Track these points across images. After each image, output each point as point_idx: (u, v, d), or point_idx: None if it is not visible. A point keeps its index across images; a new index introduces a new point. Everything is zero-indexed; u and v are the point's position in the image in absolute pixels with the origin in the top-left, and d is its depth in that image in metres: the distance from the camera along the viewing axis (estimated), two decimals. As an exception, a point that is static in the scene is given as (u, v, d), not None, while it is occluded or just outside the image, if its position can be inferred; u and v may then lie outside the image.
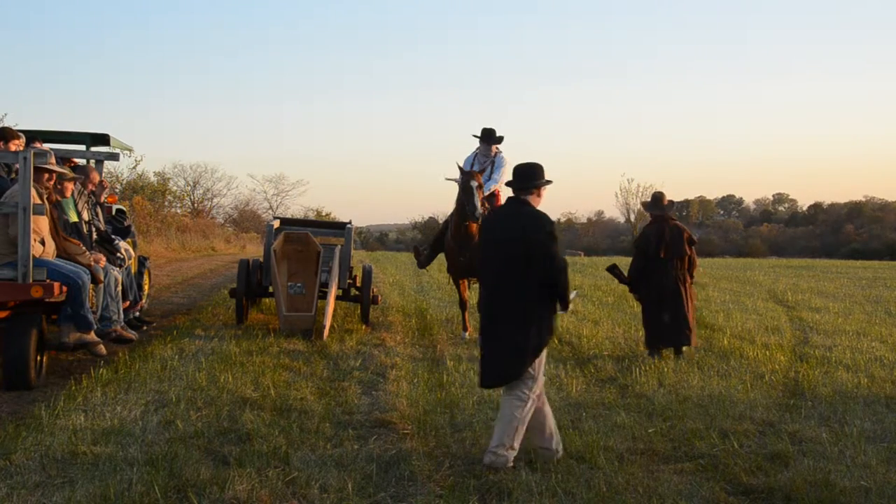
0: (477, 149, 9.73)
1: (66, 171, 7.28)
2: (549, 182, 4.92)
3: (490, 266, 4.84)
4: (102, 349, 6.89)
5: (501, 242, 4.76)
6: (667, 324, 8.20)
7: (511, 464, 4.61)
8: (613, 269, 8.78)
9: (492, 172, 9.63)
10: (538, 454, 4.79)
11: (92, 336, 6.74)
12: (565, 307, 4.86)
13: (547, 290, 4.70)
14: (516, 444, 4.63)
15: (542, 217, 4.75)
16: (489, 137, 9.61)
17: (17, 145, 6.92)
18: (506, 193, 9.65)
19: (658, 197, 8.68)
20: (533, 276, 4.64)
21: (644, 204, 9.26)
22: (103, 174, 9.25)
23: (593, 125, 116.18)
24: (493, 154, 9.66)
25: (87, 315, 6.65)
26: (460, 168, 9.05)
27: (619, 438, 5.26)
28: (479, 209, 8.81)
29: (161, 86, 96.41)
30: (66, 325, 6.62)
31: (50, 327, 6.83)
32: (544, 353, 4.80)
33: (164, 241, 26.64)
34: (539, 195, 4.85)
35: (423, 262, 10.11)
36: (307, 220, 15.71)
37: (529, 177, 4.84)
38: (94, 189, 8.46)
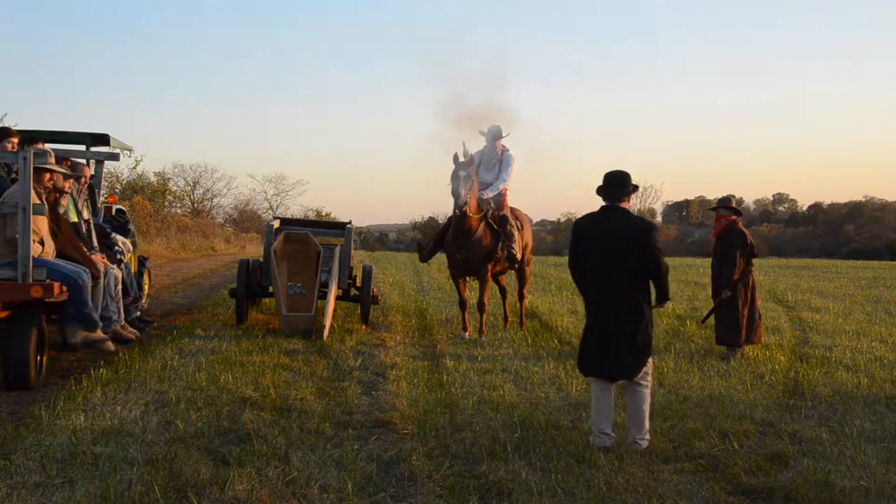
0: (484, 147, 9.69)
1: (65, 171, 7.28)
2: (636, 188, 5.31)
3: (596, 269, 5.19)
4: (111, 345, 6.91)
5: (607, 248, 5.12)
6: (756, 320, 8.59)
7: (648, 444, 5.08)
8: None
9: (500, 172, 9.59)
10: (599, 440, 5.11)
11: (98, 333, 6.75)
12: (664, 302, 5.31)
13: (648, 289, 5.15)
14: (647, 424, 5.15)
15: (648, 223, 5.15)
16: (495, 134, 9.58)
17: (12, 144, 6.91)
18: (512, 192, 9.70)
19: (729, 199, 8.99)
20: (639, 278, 5.10)
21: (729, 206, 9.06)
22: (103, 174, 9.25)
23: (593, 125, 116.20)
24: (499, 152, 9.63)
25: (90, 313, 6.65)
26: (455, 159, 8.97)
27: (619, 438, 5.26)
28: (464, 196, 8.72)
29: (161, 86, 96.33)
30: (72, 325, 6.62)
31: (50, 327, 6.83)
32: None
33: (164, 241, 26.64)
34: (629, 200, 5.24)
35: (426, 255, 10.05)
36: (307, 220, 15.70)
37: (622, 185, 5.19)
38: (89, 184, 8.46)
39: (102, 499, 3.97)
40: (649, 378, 5.27)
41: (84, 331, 6.64)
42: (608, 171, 5.30)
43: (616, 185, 5.20)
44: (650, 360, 5.25)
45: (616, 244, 5.10)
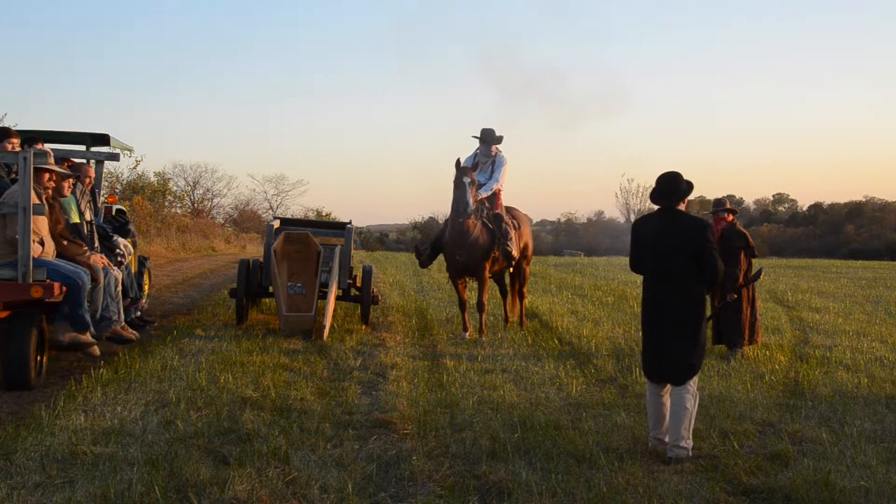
0: (477, 149, 9.74)
1: (65, 171, 7.28)
2: (691, 187, 5.20)
3: (654, 270, 5.18)
4: (97, 350, 6.86)
5: (665, 250, 5.10)
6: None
7: (690, 453, 4.90)
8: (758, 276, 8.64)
9: (493, 172, 9.64)
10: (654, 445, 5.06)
11: (87, 337, 6.73)
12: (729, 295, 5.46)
13: (704, 293, 5.12)
14: (690, 434, 4.99)
15: (703, 223, 5.12)
16: (489, 138, 9.63)
17: (13, 144, 6.91)
18: (507, 193, 9.74)
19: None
20: (696, 279, 5.06)
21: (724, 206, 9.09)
22: (102, 174, 9.25)
23: (593, 125, 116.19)
24: (493, 154, 9.68)
25: (83, 315, 6.65)
26: (457, 165, 9.05)
27: (619, 438, 5.26)
28: (471, 206, 8.81)
29: (161, 86, 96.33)
30: (62, 323, 6.62)
31: (50, 327, 6.83)
32: None
33: (164, 241, 26.64)
34: (685, 202, 5.20)
35: (425, 261, 10.11)
36: (307, 220, 15.70)
37: (675, 189, 5.14)
38: (92, 186, 8.47)
39: (102, 499, 3.97)
40: (694, 385, 5.07)
41: (74, 331, 6.63)
42: (661, 174, 5.19)
43: (669, 189, 5.14)
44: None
45: (672, 245, 5.06)
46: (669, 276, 5.06)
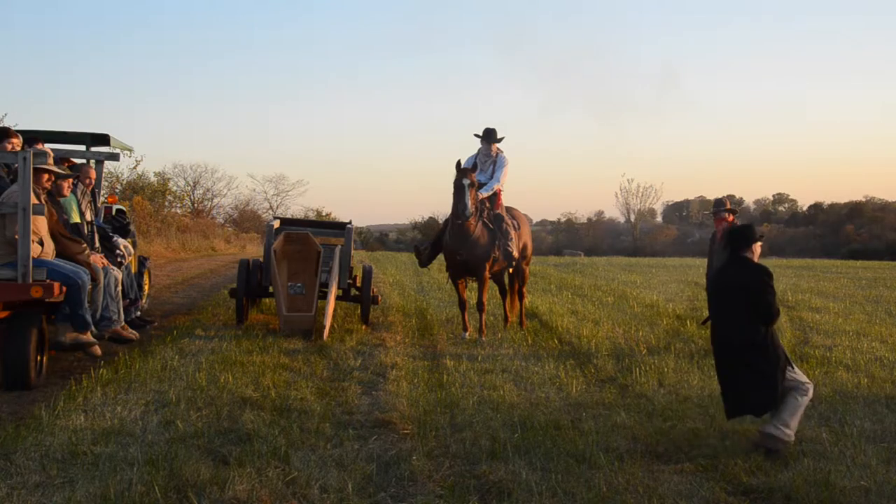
0: (479, 149, 9.74)
1: (64, 171, 7.28)
2: (762, 237, 5.72)
3: (721, 311, 5.47)
4: (98, 350, 6.88)
5: (731, 292, 5.38)
6: None
7: (785, 445, 5.01)
8: None
9: (493, 172, 9.64)
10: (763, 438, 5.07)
11: (88, 336, 6.73)
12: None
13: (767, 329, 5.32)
14: (793, 427, 5.10)
15: (764, 269, 5.37)
16: (490, 137, 9.63)
17: (13, 145, 6.91)
18: (507, 193, 9.74)
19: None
20: (756, 320, 5.25)
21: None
22: (102, 174, 9.25)
23: (593, 124, 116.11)
24: (494, 154, 9.68)
25: (84, 315, 6.65)
26: (457, 166, 9.05)
27: (619, 438, 5.26)
28: (470, 208, 8.82)
29: (161, 86, 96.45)
30: (63, 324, 6.63)
31: (50, 327, 6.83)
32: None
33: (164, 241, 26.65)
34: (753, 251, 5.52)
35: (425, 260, 10.13)
36: (307, 220, 15.71)
37: (746, 238, 5.51)
38: (93, 187, 8.47)
39: (102, 499, 3.97)
40: (804, 386, 5.19)
41: (75, 332, 6.64)
42: (735, 227, 5.71)
43: (741, 238, 5.49)
44: (794, 372, 5.24)
45: (737, 285, 5.32)
46: (735, 314, 5.29)
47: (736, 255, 5.49)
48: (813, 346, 9.10)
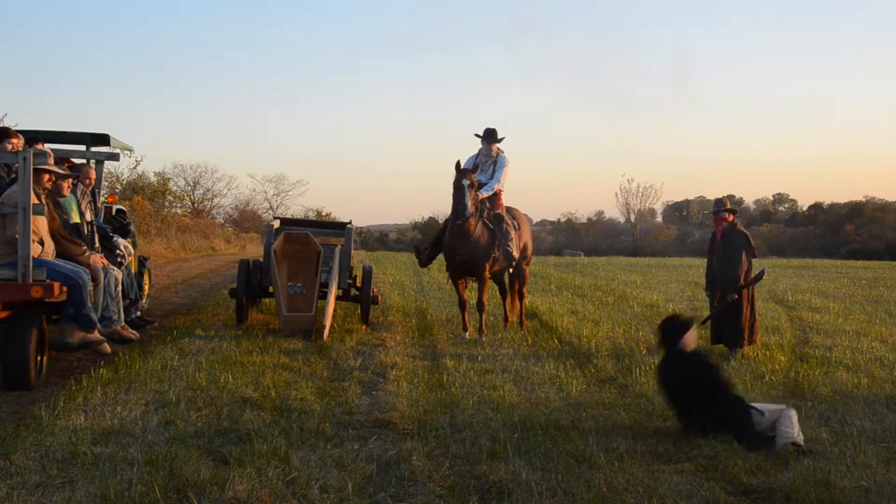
0: (480, 149, 9.74)
1: (64, 171, 7.28)
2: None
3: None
4: (107, 348, 6.90)
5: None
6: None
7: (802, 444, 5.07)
8: (760, 277, 8.63)
9: (494, 172, 9.64)
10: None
11: (96, 335, 6.75)
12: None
13: None
14: (798, 430, 5.15)
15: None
16: (490, 137, 9.63)
17: (13, 145, 6.92)
18: (507, 193, 9.74)
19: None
20: None
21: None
22: (102, 174, 9.25)
23: (592, 125, 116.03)
24: (494, 154, 9.68)
25: (89, 314, 6.66)
26: (457, 167, 9.06)
27: (619, 438, 5.26)
28: (470, 208, 8.82)
29: (161, 86, 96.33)
30: (69, 325, 6.63)
31: (50, 327, 6.83)
32: None
33: (164, 241, 26.65)
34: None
35: (425, 260, 10.14)
36: (307, 220, 15.71)
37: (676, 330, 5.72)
38: (93, 187, 8.47)
39: (102, 499, 3.97)
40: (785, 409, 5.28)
41: (82, 331, 6.65)
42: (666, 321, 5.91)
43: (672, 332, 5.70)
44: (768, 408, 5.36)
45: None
46: None
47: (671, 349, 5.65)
48: (813, 346, 9.11)
